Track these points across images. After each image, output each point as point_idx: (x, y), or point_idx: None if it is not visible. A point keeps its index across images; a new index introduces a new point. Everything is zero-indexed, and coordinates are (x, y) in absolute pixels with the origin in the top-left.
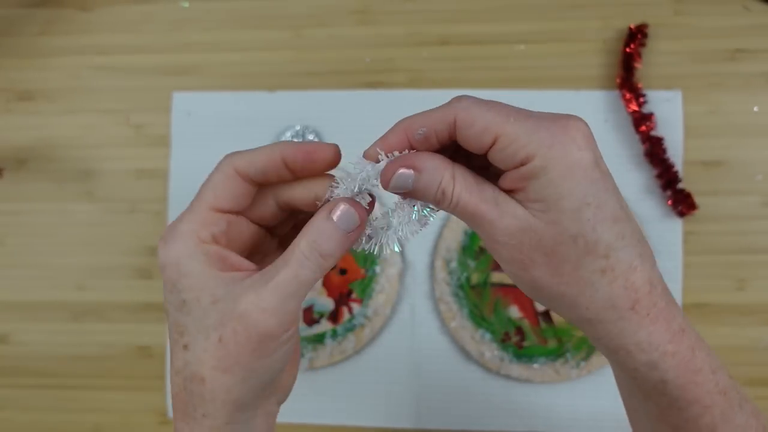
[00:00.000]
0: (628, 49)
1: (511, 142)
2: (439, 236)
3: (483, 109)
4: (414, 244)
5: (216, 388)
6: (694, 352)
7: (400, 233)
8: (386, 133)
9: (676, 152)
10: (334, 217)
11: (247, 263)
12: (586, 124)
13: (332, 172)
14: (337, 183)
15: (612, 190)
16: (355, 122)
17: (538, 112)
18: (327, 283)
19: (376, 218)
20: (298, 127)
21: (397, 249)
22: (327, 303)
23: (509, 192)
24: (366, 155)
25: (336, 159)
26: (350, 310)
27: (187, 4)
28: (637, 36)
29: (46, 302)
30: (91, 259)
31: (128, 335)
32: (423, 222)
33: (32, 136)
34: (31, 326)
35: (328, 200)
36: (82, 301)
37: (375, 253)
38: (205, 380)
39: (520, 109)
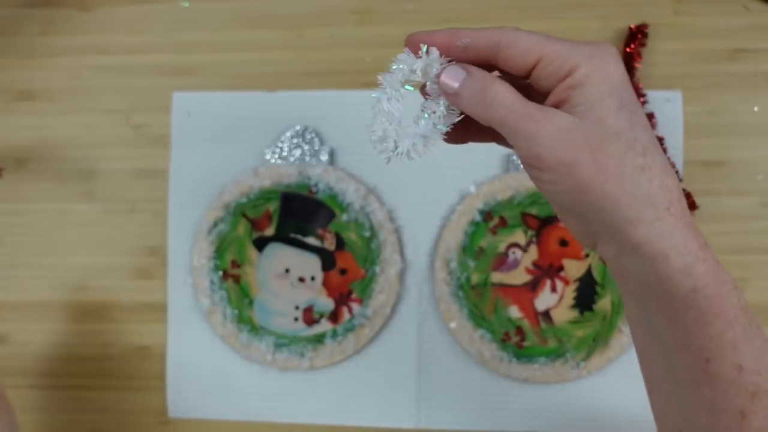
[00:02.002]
0: (628, 49)
1: (555, 58)
2: (439, 236)
3: (527, 33)
4: (414, 244)
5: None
6: (719, 265)
7: (426, 136)
8: (433, 31)
9: (676, 152)
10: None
11: None
12: (615, 49)
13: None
14: (398, 62)
15: (639, 104)
16: (355, 122)
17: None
18: (327, 283)
19: (400, 124)
20: (298, 127)
21: (417, 157)
22: (327, 303)
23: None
24: (409, 42)
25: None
26: (350, 310)
27: (187, 4)
28: (637, 36)
29: (46, 302)
30: (91, 259)
31: (128, 335)
32: (446, 121)
33: (32, 136)
34: (30, 326)
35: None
36: (82, 301)
37: (402, 159)
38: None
39: (553, 35)
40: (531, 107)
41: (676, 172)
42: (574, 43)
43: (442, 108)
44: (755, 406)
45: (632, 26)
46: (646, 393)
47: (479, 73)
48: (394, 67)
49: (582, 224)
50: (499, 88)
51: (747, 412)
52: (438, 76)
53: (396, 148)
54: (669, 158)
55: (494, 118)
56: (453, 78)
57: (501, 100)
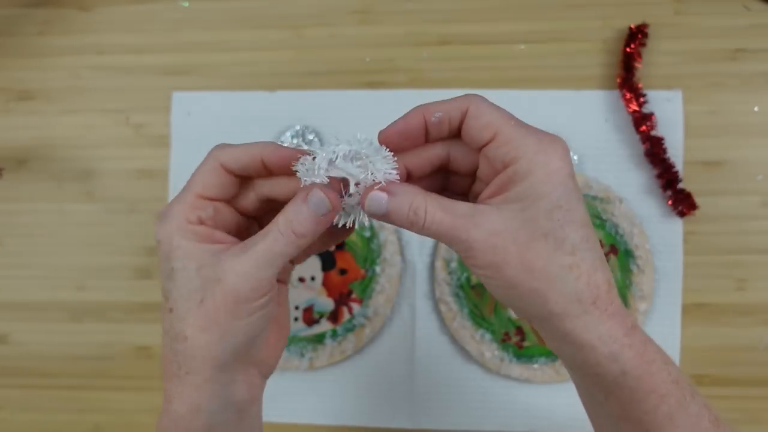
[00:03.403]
0: (628, 49)
1: (506, 142)
2: None
3: (491, 108)
4: (414, 245)
5: (197, 345)
6: (645, 345)
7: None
8: (406, 114)
9: (676, 152)
10: (309, 203)
11: (231, 239)
12: (566, 144)
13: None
14: (313, 154)
15: (581, 201)
16: (355, 122)
17: (528, 126)
18: (327, 283)
19: (351, 195)
20: (298, 127)
21: (367, 224)
22: (327, 303)
23: (490, 198)
24: (381, 136)
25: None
26: (350, 311)
27: (187, 4)
28: (637, 36)
29: (46, 302)
30: (91, 259)
31: (128, 335)
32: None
33: (32, 136)
34: (30, 326)
35: (309, 183)
36: (82, 301)
37: (350, 226)
38: (187, 338)
39: (519, 120)
40: (461, 217)
41: (676, 172)
42: (528, 131)
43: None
44: None
45: (632, 26)
46: None
47: (403, 195)
48: (305, 165)
49: (517, 310)
50: (427, 207)
51: None
52: (361, 202)
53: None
54: (669, 159)
55: (428, 234)
56: (377, 203)
57: (431, 219)
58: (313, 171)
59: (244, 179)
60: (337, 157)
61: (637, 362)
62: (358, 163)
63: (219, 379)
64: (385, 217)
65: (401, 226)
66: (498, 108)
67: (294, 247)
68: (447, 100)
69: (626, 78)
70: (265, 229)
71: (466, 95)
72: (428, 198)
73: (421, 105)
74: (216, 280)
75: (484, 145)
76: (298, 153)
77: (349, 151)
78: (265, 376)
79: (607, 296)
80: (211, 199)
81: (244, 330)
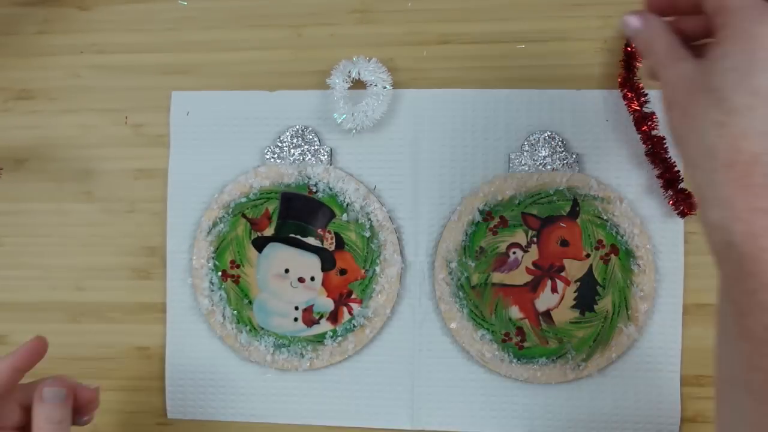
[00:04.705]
0: (629, 48)
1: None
2: (439, 237)
3: None
4: (414, 244)
5: None
6: (766, 231)
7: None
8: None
9: (677, 152)
10: (45, 399)
11: None
12: None
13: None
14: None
15: None
16: None
17: None
18: (327, 284)
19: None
20: (297, 127)
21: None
22: (327, 303)
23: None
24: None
25: (46, 347)
26: (350, 311)
27: (186, 3)
28: None
29: (45, 303)
30: (90, 260)
31: (127, 336)
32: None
33: (30, 136)
34: (29, 327)
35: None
36: (81, 302)
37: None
38: None
39: None
40: (671, 56)
41: (677, 172)
42: None
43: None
44: None
45: None
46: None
47: (651, 23)
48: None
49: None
50: (659, 36)
51: None
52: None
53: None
54: (670, 159)
55: (649, 61)
56: (631, 23)
57: (655, 48)
58: None
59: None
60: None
61: (747, 239)
62: None
63: None
64: (632, 36)
65: (637, 45)
66: None
67: None
68: None
69: (627, 77)
70: None
71: None
72: (665, 33)
73: None
74: None
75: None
76: (35, 347)
77: None
78: None
79: (748, 167)
80: None
81: None
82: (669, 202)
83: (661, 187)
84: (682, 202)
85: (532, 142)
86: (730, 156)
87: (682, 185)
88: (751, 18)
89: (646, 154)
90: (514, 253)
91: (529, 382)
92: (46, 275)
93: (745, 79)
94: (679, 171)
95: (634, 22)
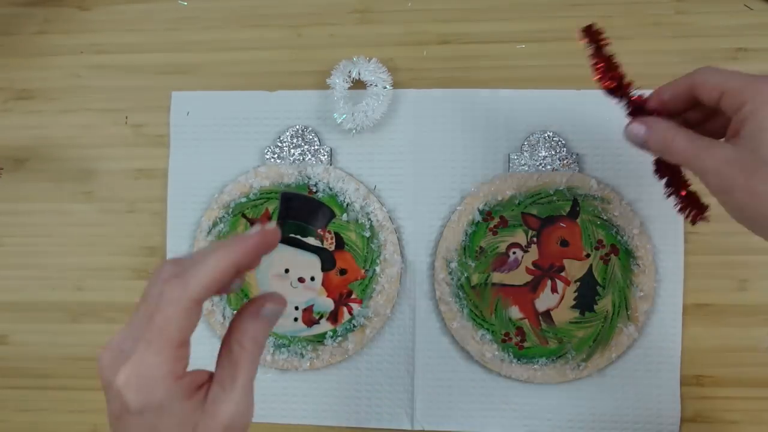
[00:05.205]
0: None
1: (734, 93)
2: (439, 237)
3: (713, 72)
4: (414, 244)
5: None
6: None
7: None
8: (645, 100)
9: (753, 230)
10: (262, 314)
11: (201, 374)
12: None
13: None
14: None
15: None
16: None
17: (753, 74)
18: (327, 284)
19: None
20: (297, 127)
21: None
22: (327, 303)
23: (730, 139)
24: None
25: (277, 237)
26: (350, 311)
27: (186, 3)
28: (596, 39)
29: (45, 303)
30: (90, 260)
31: None
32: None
33: (30, 136)
34: (29, 327)
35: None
36: (81, 302)
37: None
38: None
39: (744, 73)
40: (699, 146)
41: (679, 171)
42: (754, 79)
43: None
44: None
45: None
46: None
47: (658, 126)
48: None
49: (752, 230)
50: (674, 135)
51: None
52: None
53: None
54: None
55: (673, 159)
56: (637, 132)
57: (676, 147)
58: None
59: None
60: None
61: None
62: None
63: None
64: (643, 144)
65: (652, 151)
66: (722, 70)
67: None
68: (676, 80)
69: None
70: (234, 358)
71: (692, 72)
72: (677, 130)
73: (656, 90)
74: (219, 426)
75: (718, 102)
76: (263, 237)
77: None
78: None
79: None
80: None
81: None
82: (679, 209)
83: (670, 194)
84: (693, 207)
85: (532, 142)
86: None
87: (690, 188)
88: (760, 91)
89: (656, 167)
90: (514, 253)
91: (529, 382)
92: (46, 275)
93: None
94: (685, 175)
95: (639, 130)
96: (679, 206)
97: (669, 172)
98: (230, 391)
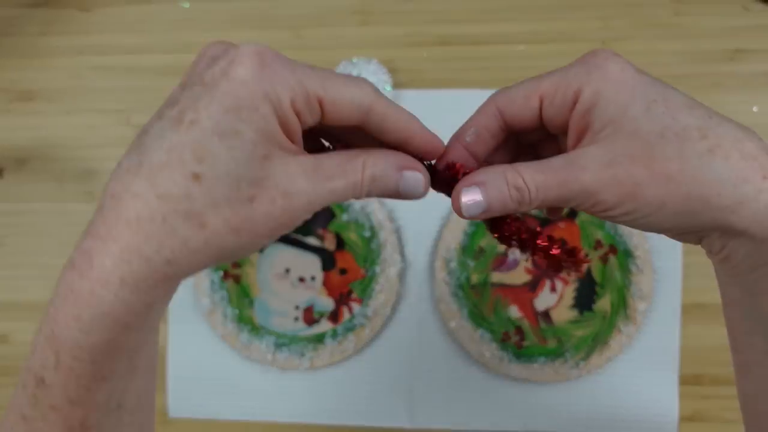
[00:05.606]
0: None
1: (555, 90)
2: (439, 236)
3: (516, 86)
4: (414, 244)
5: (211, 241)
6: None
7: None
8: (445, 151)
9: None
10: (404, 179)
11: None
12: (611, 50)
13: None
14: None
15: (670, 87)
16: None
17: (563, 67)
18: (327, 283)
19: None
20: None
21: None
22: (327, 303)
23: (578, 144)
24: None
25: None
26: (350, 310)
27: (187, 5)
28: None
29: (45, 302)
30: None
31: None
32: None
33: (32, 137)
34: (30, 326)
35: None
36: None
37: None
38: (206, 226)
39: (545, 73)
40: (562, 169)
41: None
42: (567, 66)
43: None
44: None
45: None
46: (735, 379)
47: (494, 177)
48: None
49: (682, 233)
50: (524, 176)
51: None
52: (459, 212)
53: None
54: None
55: (540, 205)
56: (473, 198)
57: (534, 186)
58: None
59: None
60: None
61: None
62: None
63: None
64: (487, 212)
65: (509, 211)
66: (521, 82)
67: (358, 196)
68: (473, 114)
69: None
70: (344, 165)
71: (487, 99)
72: (518, 167)
73: (453, 136)
74: (283, 191)
75: (540, 118)
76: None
77: None
78: None
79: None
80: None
81: (255, 249)
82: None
83: (535, 255)
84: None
85: None
86: (754, 165)
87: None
88: (599, 66)
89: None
90: (513, 253)
91: (528, 381)
92: (48, 275)
93: (669, 99)
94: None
95: (475, 195)
96: (553, 265)
97: (514, 227)
98: (316, 176)
